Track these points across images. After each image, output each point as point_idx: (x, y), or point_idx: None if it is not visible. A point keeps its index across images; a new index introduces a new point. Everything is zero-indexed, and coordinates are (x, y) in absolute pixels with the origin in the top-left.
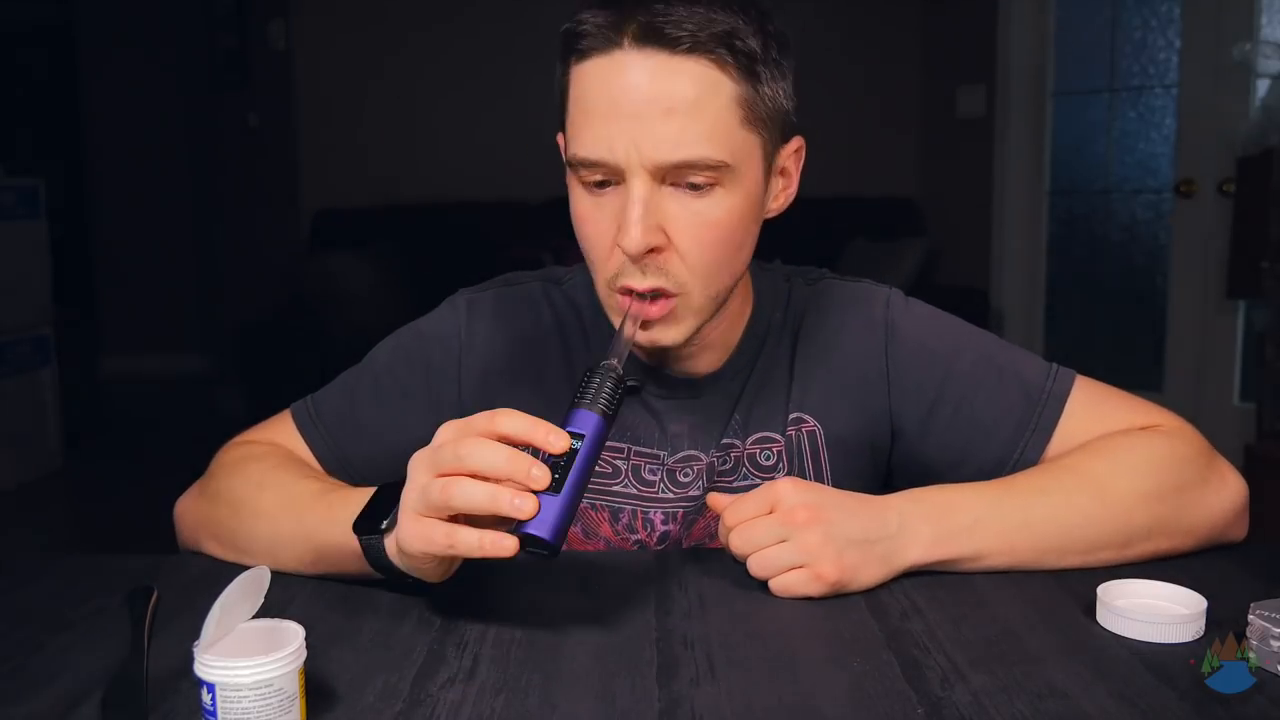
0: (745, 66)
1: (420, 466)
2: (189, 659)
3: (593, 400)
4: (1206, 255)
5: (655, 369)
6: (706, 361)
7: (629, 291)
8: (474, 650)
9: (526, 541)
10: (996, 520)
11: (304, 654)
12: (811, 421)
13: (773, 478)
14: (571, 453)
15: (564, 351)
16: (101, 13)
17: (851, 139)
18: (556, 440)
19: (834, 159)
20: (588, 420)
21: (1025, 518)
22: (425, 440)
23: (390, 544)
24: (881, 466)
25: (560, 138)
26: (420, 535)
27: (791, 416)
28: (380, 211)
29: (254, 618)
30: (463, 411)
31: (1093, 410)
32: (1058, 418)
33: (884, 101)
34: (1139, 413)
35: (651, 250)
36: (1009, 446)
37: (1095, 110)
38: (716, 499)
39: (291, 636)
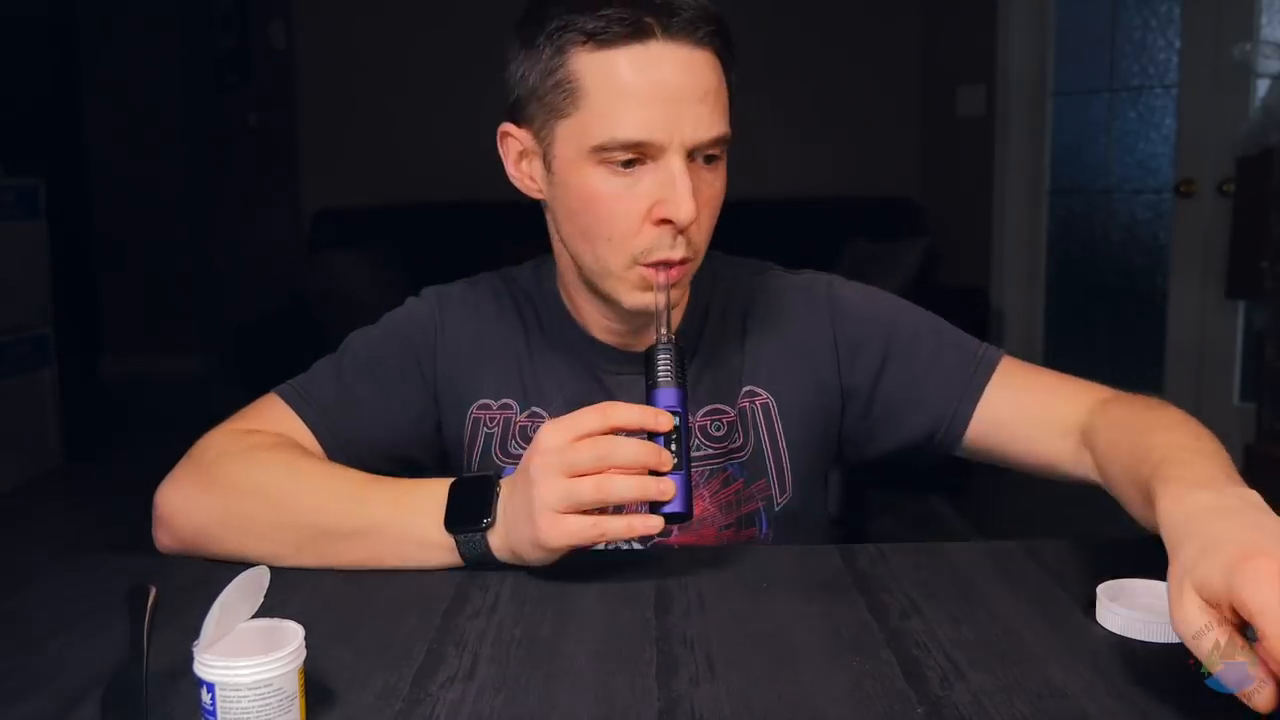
0: (729, 60)
1: (548, 471)
2: (189, 659)
3: (669, 377)
4: (1206, 255)
5: (606, 347)
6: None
7: (665, 264)
8: (474, 650)
9: (665, 518)
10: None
11: (304, 654)
12: (764, 394)
13: (726, 447)
14: (674, 430)
15: (524, 333)
16: (102, 12)
17: (851, 139)
18: (665, 420)
19: (834, 159)
20: (671, 396)
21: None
22: (421, 415)
23: (495, 539)
24: (834, 437)
25: (509, 127)
26: (568, 532)
27: (744, 389)
28: (380, 211)
29: (254, 618)
30: (438, 394)
31: (1019, 372)
32: (987, 380)
33: (884, 101)
34: (1069, 384)
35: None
36: (950, 400)
37: (1095, 110)
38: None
39: (291, 636)
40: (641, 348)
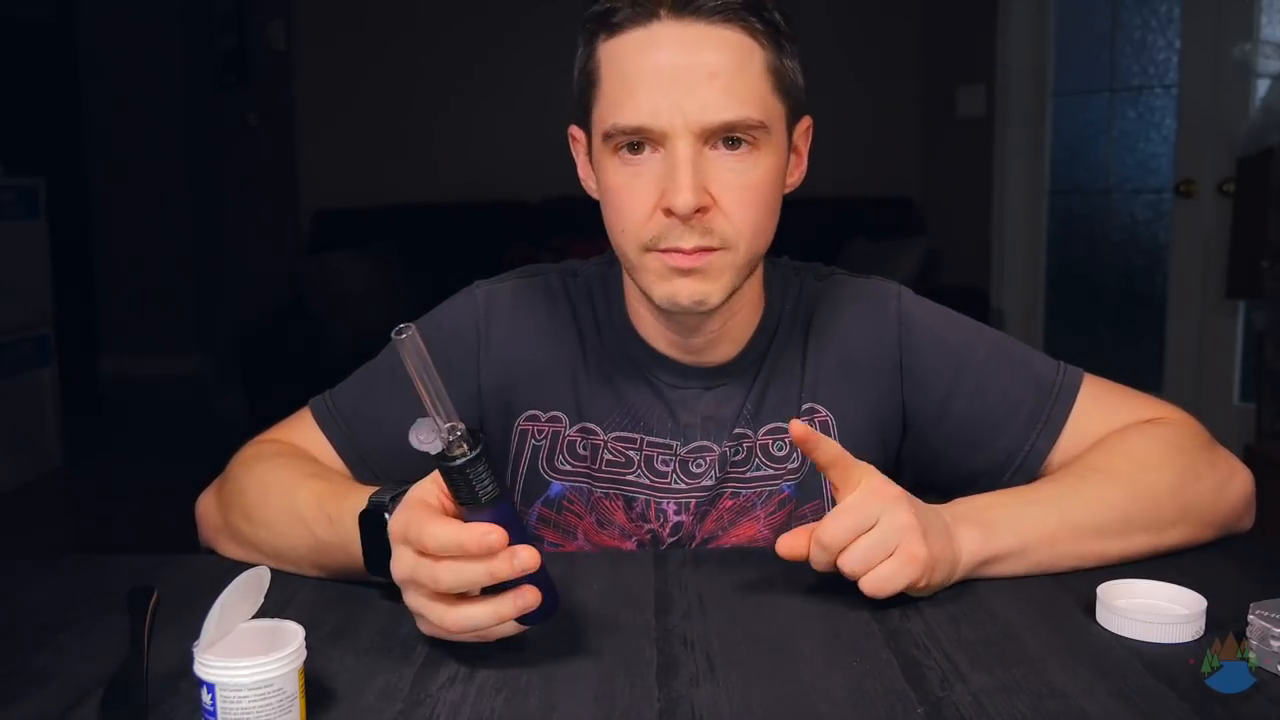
0: (772, 36)
1: (408, 589)
2: (189, 659)
3: (487, 495)
4: (1206, 255)
5: (668, 361)
6: (720, 352)
7: (676, 251)
8: (474, 650)
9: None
10: (1036, 517)
11: (304, 654)
12: (824, 412)
13: (785, 468)
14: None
15: (579, 340)
16: (101, 12)
17: (851, 139)
18: (494, 540)
19: (834, 159)
20: (499, 513)
21: (1062, 512)
22: None
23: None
24: (890, 461)
25: (573, 129)
26: (440, 633)
27: (804, 407)
28: (380, 211)
29: (254, 618)
30: (481, 407)
31: (1101, 405)
32: (1069, 411)
33: (884, 101)
34: (1145, 407)
35: (699, 210)
36: (1020, 438)
37: (1095, 110)
38: (789, 544)
39: (291, 636)
40: (705, 361)
